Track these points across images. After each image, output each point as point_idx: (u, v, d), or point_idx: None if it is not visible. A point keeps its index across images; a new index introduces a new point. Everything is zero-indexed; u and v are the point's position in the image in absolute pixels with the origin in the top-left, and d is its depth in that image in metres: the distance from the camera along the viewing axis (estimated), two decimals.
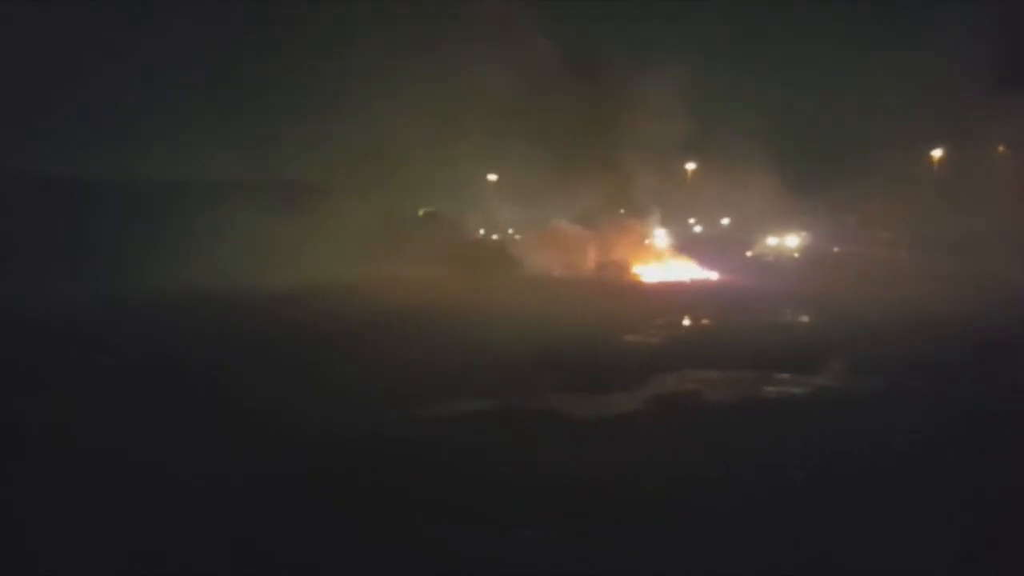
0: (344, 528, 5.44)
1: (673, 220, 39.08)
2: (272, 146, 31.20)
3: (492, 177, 35.59)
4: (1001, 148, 38.06)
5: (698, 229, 54.67)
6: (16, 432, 7.47)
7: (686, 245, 37.79)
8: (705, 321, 17.69)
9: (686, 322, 17.54)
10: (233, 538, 5.28)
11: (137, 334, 13.77)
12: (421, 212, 34.89)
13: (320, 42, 31.85)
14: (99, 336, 13.39)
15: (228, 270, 20.73)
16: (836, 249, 47.61)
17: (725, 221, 52.86)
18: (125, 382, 10.09)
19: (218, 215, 23.81)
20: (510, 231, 39.91)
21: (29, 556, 4.95)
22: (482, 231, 39.58)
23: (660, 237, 39.06)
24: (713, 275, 32.39)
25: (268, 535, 5.32)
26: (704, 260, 34.55)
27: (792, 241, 48.44)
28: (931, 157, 43.62)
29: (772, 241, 48.75)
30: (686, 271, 33.31)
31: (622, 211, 37.52)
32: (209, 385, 9.76)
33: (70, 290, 18.23)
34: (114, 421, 8.07)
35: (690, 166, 40.92)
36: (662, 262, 34.80)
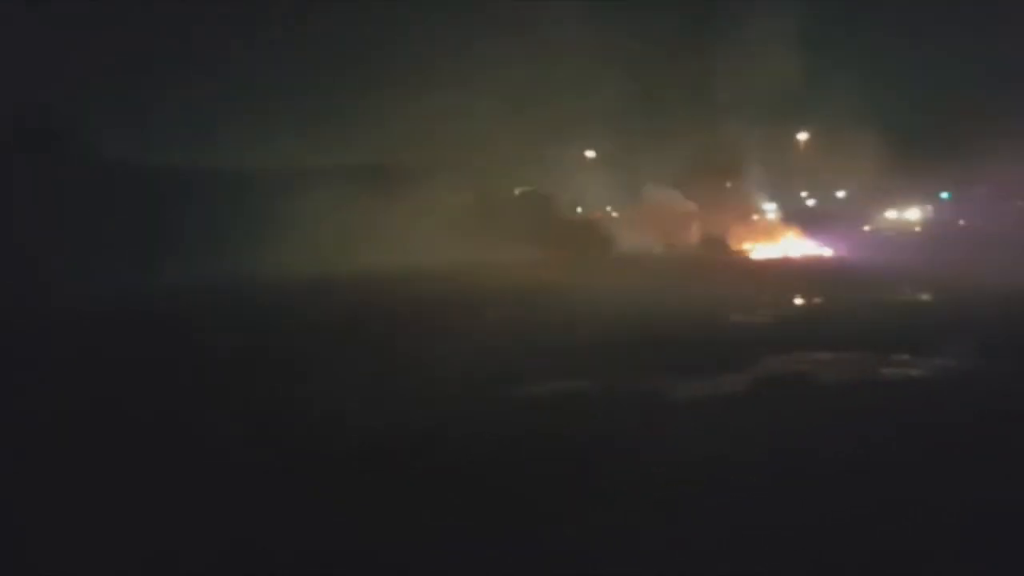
0: (468, 513, 5.24)
1: (785, 193, 37.49)
2: (368, 131, 31.69)
3: (590, 154, 35.05)
4: None
5: (811, 202, 52.43)
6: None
7: (798, 219, 36.21)
8: (817, 300, 16.85)
9: (797, 301, 16.74)
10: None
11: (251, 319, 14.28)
12: (517, 192, 34.77)
13: (411, 23, 32.08)
14: (210, 320, 13.97)
15: (326, 256, 21.27)
16: (962, 223, 44.78)
17: (841, 194, 50.41)
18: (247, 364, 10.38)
19: (317, 202, 24.38)
20: (608, 208, 39.27)
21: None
22: (579, 209, 39.12)
23: (770, 211, 37.70)
24: (827, 251, 31.00)
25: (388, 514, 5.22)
26: (817, 235, 33.10)
27: (913, 214, 45.91)
28: None
29: (891, 215, 46.33)
30: (797, 247, 32.03)
31: (728, 184, 36.38)
32: (317, 369, 9.91)
33: (176, 276, 19.11)
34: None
35: (802, 136, 39.12)
36: (772, 238, 33.55)
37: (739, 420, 7.39)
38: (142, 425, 7.36)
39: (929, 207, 47.80)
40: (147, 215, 21.95)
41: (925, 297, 17.11)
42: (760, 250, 32.06)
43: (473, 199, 30.38)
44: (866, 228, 42.76)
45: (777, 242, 32.71)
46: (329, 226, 23.60)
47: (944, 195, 50.53)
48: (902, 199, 46.13)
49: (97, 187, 22.03)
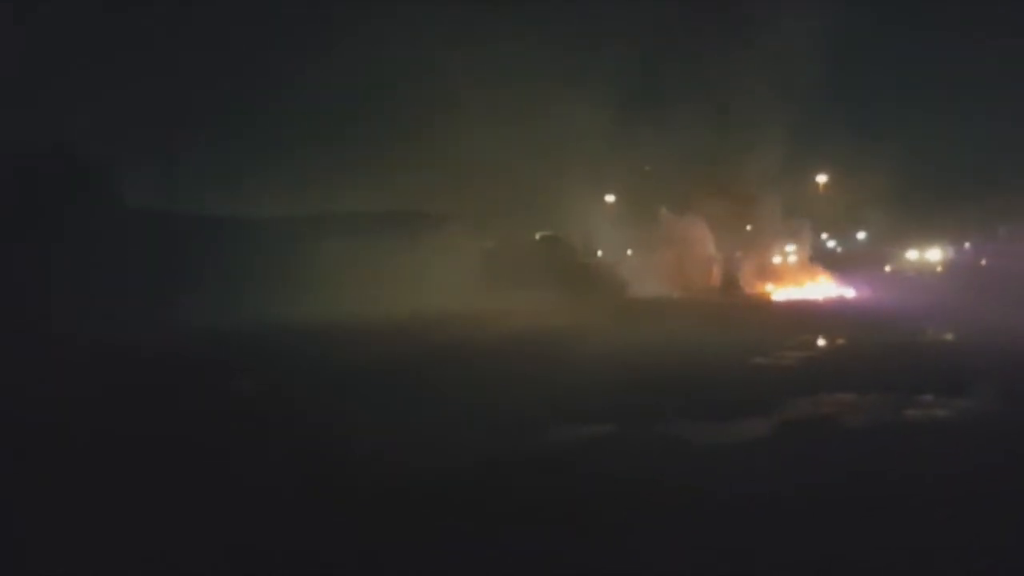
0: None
1: (805, 235, 37.50)
2: (388, 178, 32.18)
3: (610, 198, 35.37)
4: None
5: (832, 244, 52.43)
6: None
7: (819, 261, 36.19)
8: (840, 341, 16.79)
9: (820, 343, 16.69)
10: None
11: (269, 362, 14.40)
12: (538, 236, 35.04)
13: (431, 69, 32.69)
14: (235, 362, 14.12)
15: (346, 302, 21.46)
16: (984, 262, 44.57)
17: (861, 235, 50.37)
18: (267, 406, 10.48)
19: (339, 248, 24.70)
20: (628, 251, 39.42)
21: None
22: (600, 253, 39.29)
23: (791, 253, 37.72)
24: (849, 292, 30.96)
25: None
26: (839, 277, 33.08)
27: (934, 255, 45.77)
28: None
29: (912, 255, 46.20)
30: (819, 289, 31.99)
31: (748, 227, 36.50)
32: (326, 413, 9.97)
33: (196, 319, 19.34)
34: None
35: (821, 178, 39.26)
36: (793, 279, 33.54)
37: (758, 465, 7.37)
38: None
39: (950, 247, 47.61)
40: (170, 261, 22.29)
41: (948, 337, 17.01)
42: (782, 292, 32.02)
43: (494, 244, 30.66)
44: (887, 269, 42.64)
45: (799, 284, 32.67)
46: (350, 272, 23.87)
47: (967, 245, 50.21)
48: (923, 239, 46.03)
49: (119, 231, 22.44)
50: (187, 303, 20.64)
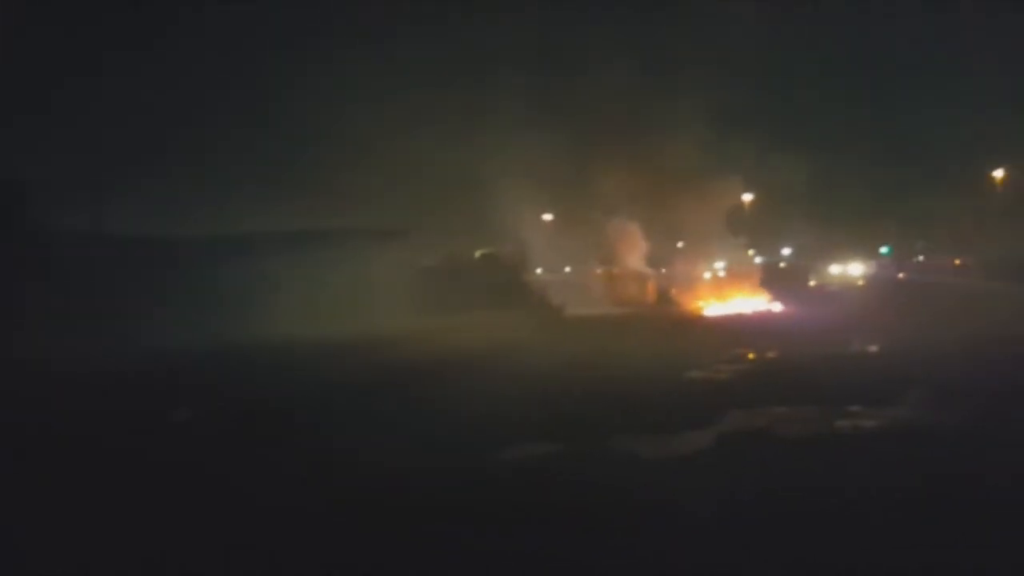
0: None
1: (733, 251, 38.59)
2: (324, 196, 31.93)
3: (547, 216, 35.85)
4: None
5: (758, 260, 54.00)
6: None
7: (747, 276, 37.23)
8: (771, 354, 17.37)
9: (751, 356, 17.24)
10: None
11: (214, 385, 14.02)
12: (477, 254, 35.23)
13: (369, 91, 32.67)
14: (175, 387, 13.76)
15: (282, 322, 20.95)
16: (901, 275, 46.58)
17: (786, 251, 52.07)
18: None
19: (275, 267, 24.25)
20: (567, 269, 39.98)
21: None
22: (539, 270, 39.70)
23: (720, 268, 38.69)
24: (776, 306, 31.92)
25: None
26: (766, 291, 34.10)
27: (856, 269, 47.52)
28: (993, 178, 42.45)
29: (835, 269, 47.88)
30: (749, 303, 32.89)
31: (679, 244, 37.36)
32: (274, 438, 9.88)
33: (124, 343, 18.69)
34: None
35: (747, 196, 40.51)
36: (724, 294, 34.44)
37: (701, 476, 7.67)
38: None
39: (870, 261, 49.61)
40: (96, 284, 21.55)
41: (873, 349, 17.77)
42: (713, 307, 32.85)
43: (435, 262, 30.71)
44: (812, 283, 44.11)
45: (729, 298, 33.58)
46: (285, 293, 23.43)
47: (884, 250, 52.62)
48: (845, 254, 47.84)
49: (41, 255, 21.69)
50: (115, 326, 20.00)
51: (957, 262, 41.21)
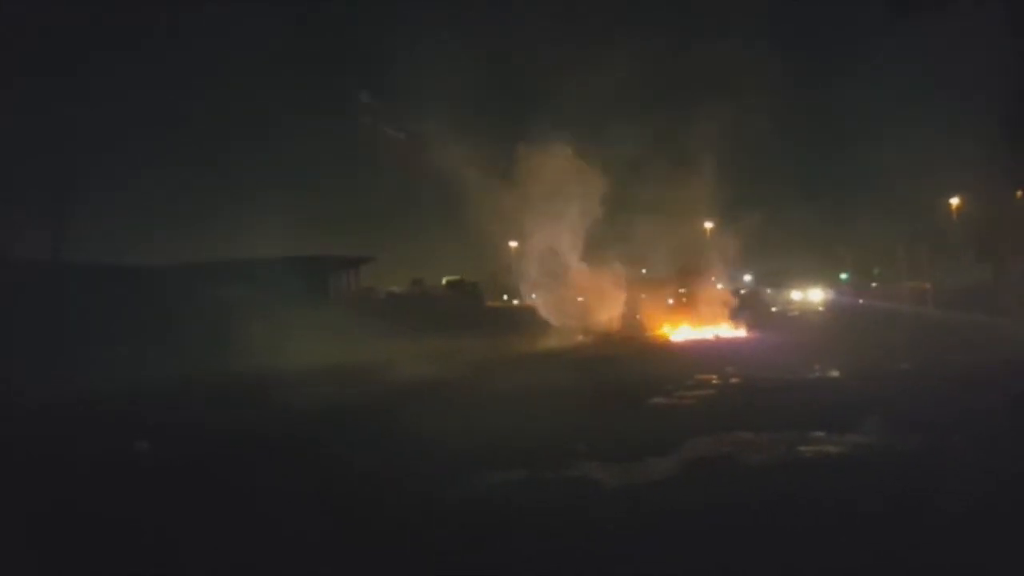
0: None
1: (696, 278, 38.97)
2: (292, 222, 31.67)
3: (513, 244, 35.91)
4: (1020, 193, 37.89)
5: (720, 286, 54.61)
6: None
7: (711, 302, 37.58)
8: (735, 380, 17.52)
9: (715, 381, 17.37)
10: None
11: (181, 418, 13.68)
12: (444, 281, 35.23)
13: (337, 120, 32.67)
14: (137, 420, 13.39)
15: (241, 352, 20.49)
16: (861, 301, 47.42)
17: (747, 278, 52.80)
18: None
19: (242, 296, 23.93)
20: (533, 296, 40.00)
21: None
22: (505, 296, 39.74)
23: (684, 295, 39.03)
24: (739, 332, 32.31)
25: None
26: (729, 317, 34.51)
27: (816, 295, 48.34)
28: (950, 205, 43.51)
29: (796, 296, 48.65)
30: (713, 329, 33.24)
31: (643, 271, 37.67)
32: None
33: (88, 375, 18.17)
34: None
35: (708, 224, 41.05)
36: (689, 321, 34.77)
37: (666, 506, 7.68)
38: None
39: (830, 287, 50.50)
40: (57, 314, 21.10)
41: (834, 374, 18.03)
42: (678, 332, 33.14)
43: (403, 289, 30.63)
44: (773, 309, 44.76)
45: (694, 325, 33.90)
46: (250, 322, 23.03)
47: (843, 276, 53.67)
48: (806, 281, 48.65)
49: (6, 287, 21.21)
50: (75, 356, 19.55)
51: (926, 286, 42.06)
